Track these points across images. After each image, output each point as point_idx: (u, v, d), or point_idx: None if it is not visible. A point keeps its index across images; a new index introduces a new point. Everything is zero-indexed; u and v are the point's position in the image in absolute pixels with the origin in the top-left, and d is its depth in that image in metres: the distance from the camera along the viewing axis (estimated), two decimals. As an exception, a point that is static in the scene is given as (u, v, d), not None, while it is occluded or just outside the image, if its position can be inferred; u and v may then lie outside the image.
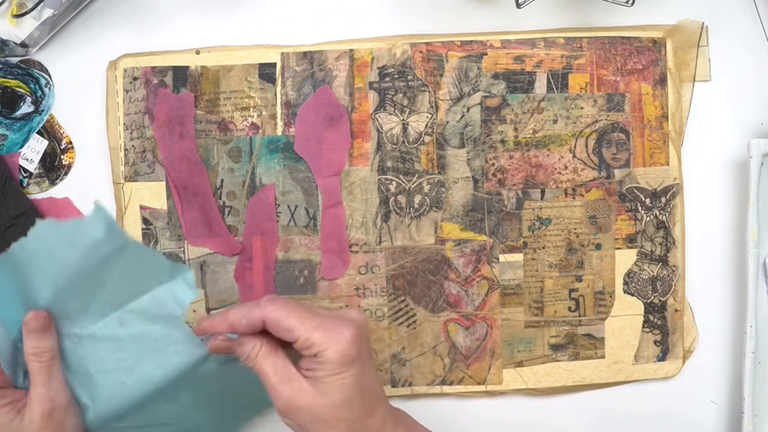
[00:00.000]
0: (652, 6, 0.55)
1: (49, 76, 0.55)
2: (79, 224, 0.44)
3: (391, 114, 0.55)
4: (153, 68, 0.55)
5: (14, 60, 0.55)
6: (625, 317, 0.56)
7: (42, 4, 0.51)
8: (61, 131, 0.56)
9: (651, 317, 0.56)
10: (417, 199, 0.55)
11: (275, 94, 0.55)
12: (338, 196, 0.55)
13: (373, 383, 0.45)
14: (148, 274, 0.47)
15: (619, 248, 0.56)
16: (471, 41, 0.55)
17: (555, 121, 0.55)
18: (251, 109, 0.55)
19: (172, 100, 0.55)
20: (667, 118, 0.55)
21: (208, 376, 0.48)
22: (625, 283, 0.56)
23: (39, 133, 0.56)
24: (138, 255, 0.46)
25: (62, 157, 0.56)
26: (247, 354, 0.45)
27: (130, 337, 0.47)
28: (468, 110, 0.55)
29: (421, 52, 0.55)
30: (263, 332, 0.45)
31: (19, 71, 0.55)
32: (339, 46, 0.55)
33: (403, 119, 0.55)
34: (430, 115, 0.55)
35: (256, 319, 0.44)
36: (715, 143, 0.56)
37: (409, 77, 0.55)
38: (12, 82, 0.55)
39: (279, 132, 0.55)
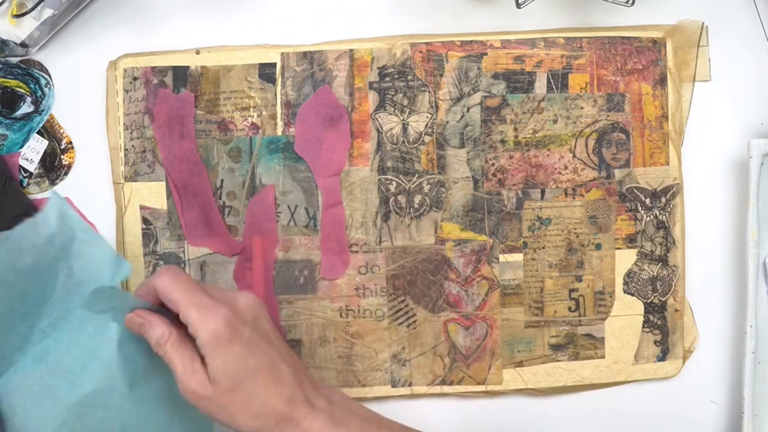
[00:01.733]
0: (652, 6, 0.55)
1: (49, 76, 0.55)
2: (32, 224, 0.44)
3: (391, 114, 0.55)
4: (153, 68, 0.55)
5: (14, 60, 0.55)
6: (625, 317, 0.56)
7: (42, 4, 0.51)
8: (61, 131, 0.56)
9: (651, 317, 0.56)
10: (417, 199, 0.55)
11: (275, 94, 0.55)
12: (338, 196, 0.55)
13: (266, 362, 0.44)
14: (93, 274, 0.46)
15: (619, 248, 0.56)
16: (471, 41, 0.55)
17: (555, 121, 0.55)
18: (251, 109, 0.55)
19: (172, 100, 0.55)
20: (667, 118, 0.55)
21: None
22: (625, 283, 0.56)
23: (39, 133, 0.56)
24: (84, 249, 0.46)
25: (62, 157, 0.56)
26: (156, 339, 0.44)
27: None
28: (468, 110, 0.55)
29: (421, 52, 0.55)
30: (178, 320, 0.45)
31: (19, 71, 0.55)
32: (339, 46, 0.55)
33: (403, 119, 0.55)
34: (430, 115, 0.55)
35: (149, 285, 0.45)
36: (715, 143, 0.56)
37: (409, 77, 0.55)
38: (12, 82, 0.55)
39: (279, 132, 0.55)
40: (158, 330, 0.44)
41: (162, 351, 0.44)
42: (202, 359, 0.43)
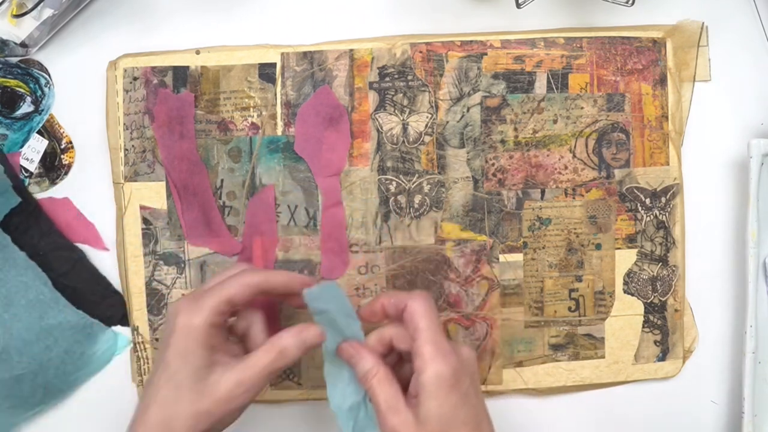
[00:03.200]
0: (652, 6, 0.55)
1: (49, 76, 0.55)
2: None
3: (391, 114, 0.55)
4: (153, 68, 0.55)
5: (14, 60, 0.55)
6: (625, 317, 0.56)
7: (42, 4, 0.51)
8: (61, 131, 0.56)
9: (651, 317, 0.56)
10: (417, 199, 0.55)
11: (275, 94, 0.55)
12: (338, 196, 0.55)
13: (475, 416, 0.44)
14: None
15: (619, 248, 0.56)
16: (471, 41, 0.55)
17: (555, 121, 0.55)
18: (251, 109, 0.55)
19: (172, 100, 0.55)
20: (667, 118, 0.55)
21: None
22: (625, 283, 0.56)
23: (39, 132, 0.56)
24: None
25: (62, 156, 0.56)
26: (363, 373, 0.45)
27: None
28: (468, 110, 0.55)
29: (421, 52, 0.55)
30: (384, 356, 0.46)
31: (19, 71, 0.55)
32: (339, 46, 0.55)
33: (403, 119, 0.55)
34: (430, 115, 0.55)
35: (400, 302, 0.46)
36: (715, 143, 0.56)
37: (409, 77, 0.55)
38: (12, 82, 0.55)
39: (279, 132, 0.55)
40: (367, 363, 0.45)
41: (367, 384, 0.45)
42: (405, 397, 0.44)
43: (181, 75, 0.55)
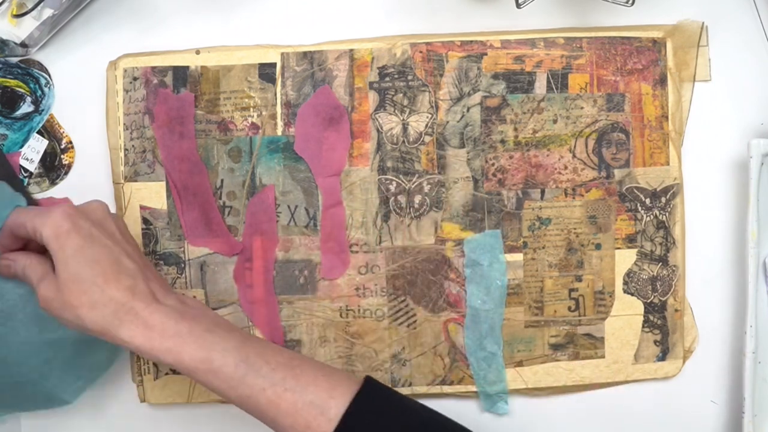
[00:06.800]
0: (652, 6, 0.55)
1: (49, 76, 0.55)
2: None
3: (391, 114, 0.55)
4: (153, 68, 0.55)
5: (14, 60, 0.55)
6: (625, 317, 0.56)
7: (42, 4, 0.51)
8: (61, 131, 0.56)
9: (651, 317, 0.56)
10: (417, 199, 0.55)
11: (275, 94, 0.55)
12: (338, 196, 0.55)
13: (106, 254, 0.45)
14: None
15: (619, 248, 0.56)
16: (471, 41, 0.55)
17: (555, 121, 0.55)
18: (251, 109, 0.55)
19: (172, 100, 0.55)
20: (667, 118, 0.55)
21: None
22: (625, 282, 0.56)
23: (39, 132, 0.56)
24: None
25: (62, 156, 0.56)
26: (20, 269, 0.47)
27: None
28: (468, 110, 0.55)
29: (421, 52, 0.55)
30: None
31: (19, 71, 0.55)
32: (339, 46, 0.55)
33: (403, 119, 0.55)
34: (430, 115, 0.55)
35: (5, 232, 0.47)
36: (715, 143, 0.56)
37: (409, 77, 0.55)
38: (12, 82, 0.55)
39: (279, 132, 0.55)
40: (21, 261, 0.47)
41: (23, 276, 0.46)
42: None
43: (181, 75, 0.55)
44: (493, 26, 0.55)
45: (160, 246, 0.55)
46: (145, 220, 0.55)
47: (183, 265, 0.55)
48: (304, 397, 0.44)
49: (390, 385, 0.56)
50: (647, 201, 0.55)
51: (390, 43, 0.55)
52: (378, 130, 0.55)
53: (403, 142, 0.55)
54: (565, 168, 0.55)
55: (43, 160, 0.56)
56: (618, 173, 0.55)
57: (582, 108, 0.55)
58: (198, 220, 0.55)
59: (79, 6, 0.54)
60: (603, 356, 0.56)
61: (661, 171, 0.55)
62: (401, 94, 0.55)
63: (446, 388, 0.56)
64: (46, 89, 0.55)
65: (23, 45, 0.53)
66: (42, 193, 0.56)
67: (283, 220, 0.55)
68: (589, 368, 0.56)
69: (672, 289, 0.56)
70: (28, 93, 0.55)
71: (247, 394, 0.44)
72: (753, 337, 0.53)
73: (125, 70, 0.55)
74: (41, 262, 0.46)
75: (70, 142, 0.56)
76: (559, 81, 0.55)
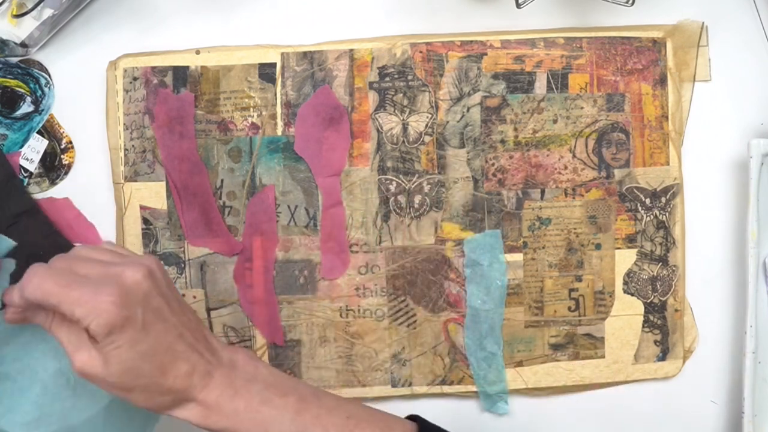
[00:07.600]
0: (652, 6, 0.55)
1: (49, 76, 0.55)
2: None
3: (391, 114, 0.55)
4: (153, 68, 0.55)
5: (14, 60, 0.55)
6: (625, 317, 0.56)
7: (42, 4, 0.51)
8: (61, 131, 0.56)
9: (651, 317, 0.56)
10: (417, 199, 0.55)
11: (275, 94, 0.55)
12: (338, 196, 0.55)
13: (161, 343, 0.42)
14: None
15: (619, 248, 0.56)
16: (471, 41, 0.55)
17: (555, 121, 0.55)
18: (251, 109, 0.55)
19: (172, 100, 0.55)
20: (667, 118, 0.55)
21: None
22: (625, 282, 0.56)
23: (39, 132, 0.56)
24: None
25: (62, 156, 0.56)
26: (42, 323, 0.43)
27: None
28: (468, 110, 0.55)
29: (421, 52, 0.55)
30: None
31: (19, 71, 0.55)
32: (339, 46, 0.55)
33: (403, 119, 0.55)
34: (430, 115, 0.55)
35: (23, 300, 0.42)
36: (715, 143, 0.56)
37: (409, 77, 0.55)
38: (12, 82, 0.55)
39: (279, 132, 0.55)
40: (41, 314, 0.43)
41: (50, 333, 0.43)
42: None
43: (181, 75, 0.55)
44: (493, 26, 0.55)
45: (160, 246, 0.55)
46: (145, 220, 0.55)
47: (183, 265, 0.55)
48: None
49: (390, 385, 0.56)
50: (647, 201, 0.55)
51: (390, 43, 0.55)
52: (378, 130, 0.55)
53: (403, 142, 0.55)
54: (565, 168, 0.55)
55: (43, 160, 0.56)
56: (618, 173, 0.55)
57: (582, 108, 0.55)
58: (198, 220, 0.55)
59: (79, 6, 0.54)
60: (603, 356, 0.56)
61: (661, 171, 0.55)
62: (401, 94, 0.55)
63: (446, 388, 0.56)
64: (46, 89, 0.55)
65: (23, 45, 0.53)
66: (42, 193, 0.56)
67: (283, 220, 0.55)
68: (589, 368, 0.56)
69: (672, 289, 0.56)
70: (28, 93, 0.55)
71: None
72: (753, 337, 0.53)
73: (125, 70, 0.55)
74: (79, 330, 0.42)
75: (70, 142, 0.56)
76: (559, 81, 0.55)
